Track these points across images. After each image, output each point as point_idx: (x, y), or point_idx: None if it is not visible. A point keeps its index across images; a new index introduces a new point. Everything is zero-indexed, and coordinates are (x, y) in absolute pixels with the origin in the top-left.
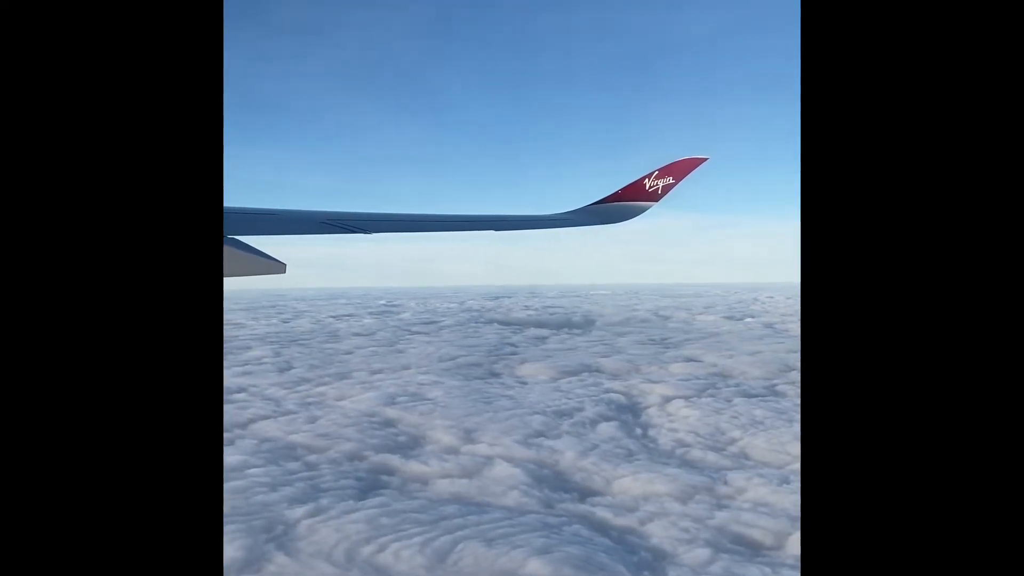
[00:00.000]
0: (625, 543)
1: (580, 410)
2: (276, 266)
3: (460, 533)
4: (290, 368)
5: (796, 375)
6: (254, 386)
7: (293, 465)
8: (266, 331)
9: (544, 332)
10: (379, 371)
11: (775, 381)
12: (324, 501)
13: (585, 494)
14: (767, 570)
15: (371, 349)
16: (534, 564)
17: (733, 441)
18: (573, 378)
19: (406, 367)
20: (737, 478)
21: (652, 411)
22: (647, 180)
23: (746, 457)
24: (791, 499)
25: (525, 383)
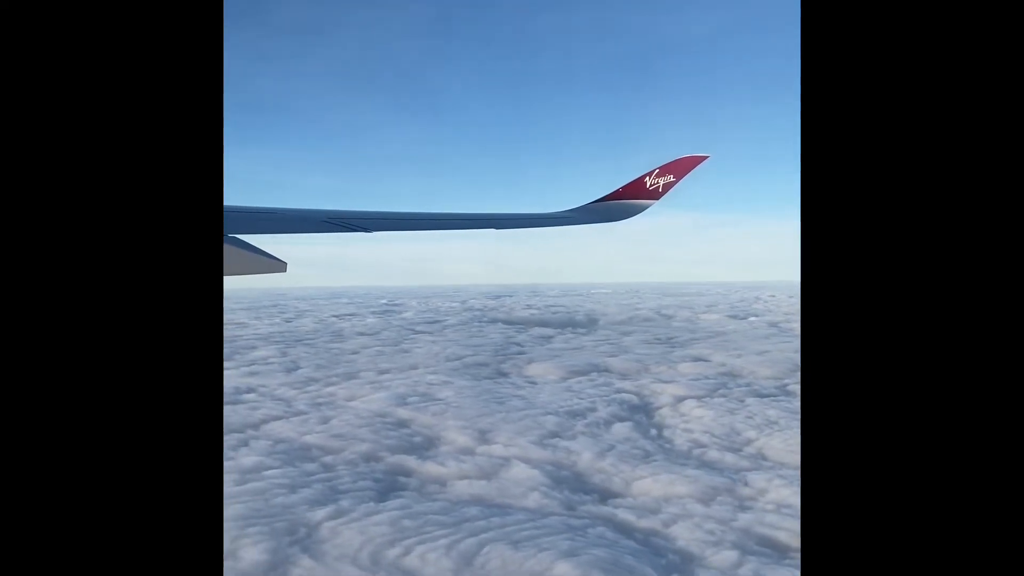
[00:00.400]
0: (651, 545)
1: (593, 410)
2: (277, 265)
3: (485, 535)
4: (297, 368)
5: None
6: (263, 386)
7: (310, 466)
8: (269, 331)
9: (549, 331)
10: (387, 371)
11: (786, 381)
12: (344, 503)
13: (606, 496)
14: (796, 573)
15: (377, 349)
16: (562, 567)
17: (749, 442)
18: (583, 378)
19: (413, 367)
20: (757, 479)
21: (665, 411)
22: (648, 178)
23: (764, 458)
24: None
25: (535, 383)
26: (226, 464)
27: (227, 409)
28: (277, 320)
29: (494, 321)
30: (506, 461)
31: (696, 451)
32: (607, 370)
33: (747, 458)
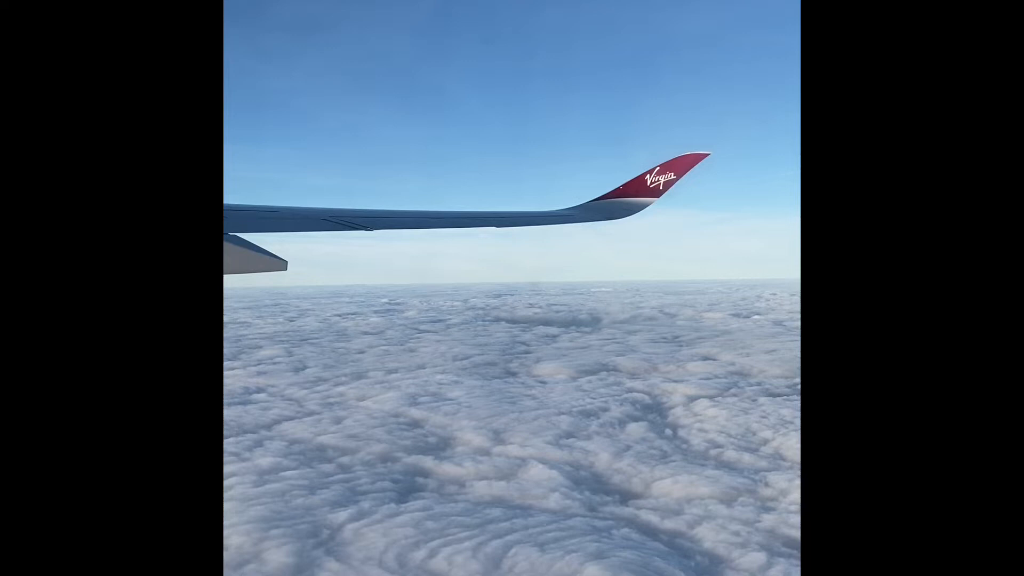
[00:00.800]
0: (678, 547)
1: (606, 410)
2: (277, 263)
3: (510, 537)
4: (305, 368)
5: None
6: (272, 386)
7: (327, 467)
8: (273, 330)
9: (553, 330)
10: (395, 370)
11: (797, 381)
12: (365, 504)
13: (626, 496)
14: None
15: (383, 348)
16: (592, 570)
17: (765, 442)
18: (592, 377)
19: (421, 366)
20: (778, 480)
21: (678, 411)
22: (648, 176)
23: (782, 458)
24: None
25: (545, 383)
26: (243, 465)
27: (239, 409)
28: (280, 319)
29: (497, 320)
30: (523, 462)
31: (713, 451)
32: (616, 369)
33: (765, 458)
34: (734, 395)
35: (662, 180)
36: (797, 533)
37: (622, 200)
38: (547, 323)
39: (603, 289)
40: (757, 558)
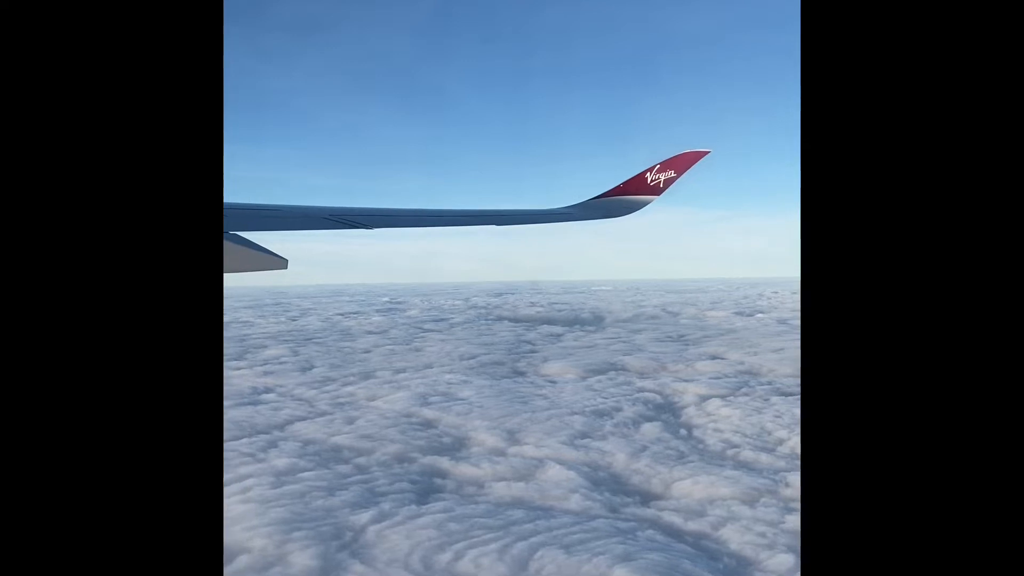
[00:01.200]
0: (704, 549)
1: (619, 410)
2: (278, 262)
3: (534, 539)
4: (311, 367)
5: None
6: (281, 386)
7: (343, 468)
8: (276, 329)
9: (557, 329)
10: (402, 370)
11: None
12: (386, 506)
13: (647, 497)
14: None
15: (388, 348)
16: (621, 572)
17: (781, 441)
18: (602, 377)
19: (428, 366)
20: (798, 480)
21: (691, 411)
22: (649, 174)
23: (799, 458)
24: None
25: (554, 382)
26: (259, 467)
27: (249, 410)
28: (282, 318)
29: (500, 319)
30: (540, 462)
31: (730, 451)
32: (625, 368)
33: (783, 458)
34: (745, 394)
35: (662, 178)
36: None
37: (622, 198)
38: (550, 322)
39: (603, 288)
40: (785, 560)
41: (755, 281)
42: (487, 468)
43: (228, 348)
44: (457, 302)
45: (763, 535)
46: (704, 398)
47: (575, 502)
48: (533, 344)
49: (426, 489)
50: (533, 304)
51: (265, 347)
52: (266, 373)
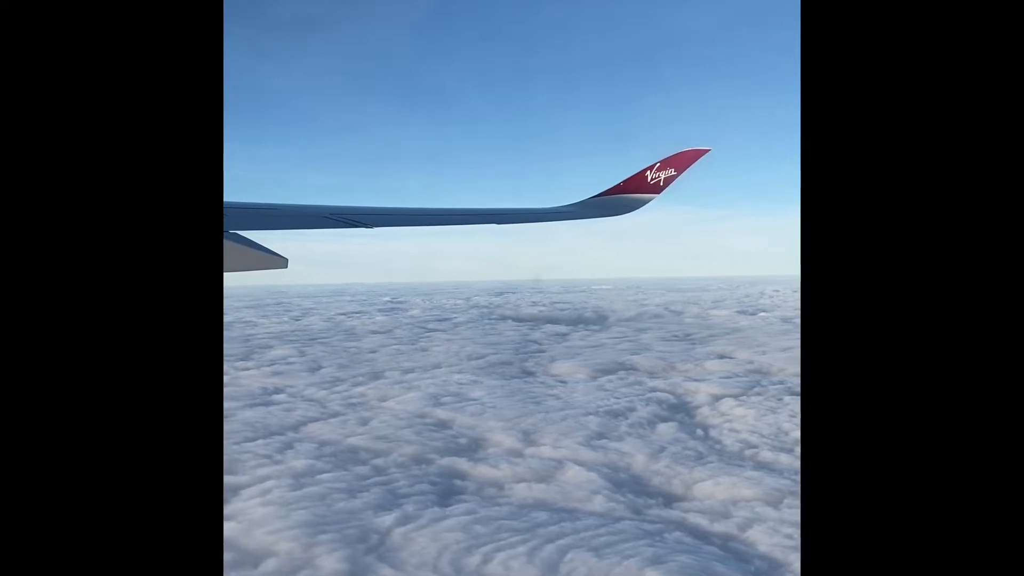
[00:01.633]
0: (733, 551)
1: (633, 410)
2: (278, 261)
3: (562, 542)
4: (319, 368)
5: None
6: (290, 386)
7: (361, 469)
8: (280, 329)
9: (561, 328)
10: (411, 370)
11: None
12: (408, 508)
13: (670, 499)
14: None
15: (394, 347)
16: (653, 575)
17: (799, 441)
18: (612, 376)
19: (437, 366)
20: None
21: (705, 411)
22: (649, 172)
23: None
24: None
25: (565, 382)
26: (277, 468)
27: (262, 411)
28: (285, 318)
29: (503, 318)
30: (559, 463)
31: (748, 451)
32: (634, 368)
33: None
34: (758, 394)
35: (663, 176)
36: None
37: (622, 196)
38: (554, 321)
39: (604, 287)
40: None
41: (756, 279)
42: (506, 469)
43: (233, 348)
44: (459, 301)
45: (790, 537)
46: (717, 398)
47: (599, 504)
48: (539, 344)
49: (447, 491)
50: (535, 303)
51: (271, 347)
52: (274, 374)
